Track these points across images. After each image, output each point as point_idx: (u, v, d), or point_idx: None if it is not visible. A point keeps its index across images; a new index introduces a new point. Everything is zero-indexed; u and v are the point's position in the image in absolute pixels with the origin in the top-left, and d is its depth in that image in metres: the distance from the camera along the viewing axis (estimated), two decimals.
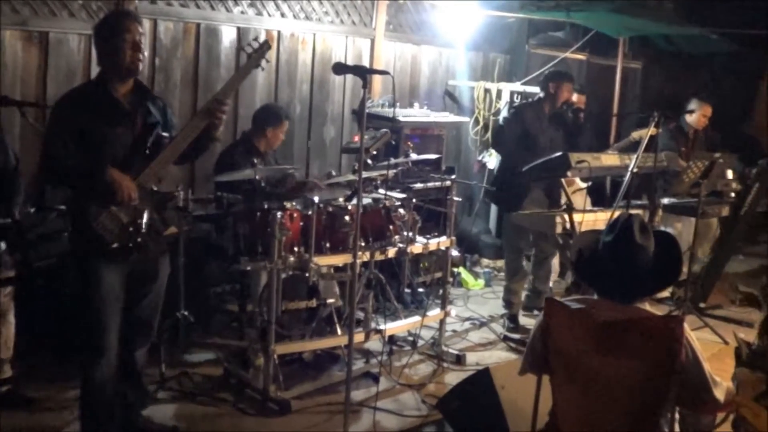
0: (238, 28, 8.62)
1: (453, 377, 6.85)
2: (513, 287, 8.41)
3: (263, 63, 5.41)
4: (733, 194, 9.10)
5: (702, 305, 9.09)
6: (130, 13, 5.33)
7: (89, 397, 5.21)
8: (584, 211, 7.47)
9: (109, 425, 5.29)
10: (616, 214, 6.74)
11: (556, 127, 8.21)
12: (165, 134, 5.18)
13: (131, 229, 4.96)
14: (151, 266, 5.29)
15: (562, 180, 7.53)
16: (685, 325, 3.69)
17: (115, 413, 5.34)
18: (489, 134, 10.86)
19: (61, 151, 4.87)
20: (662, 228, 7.97)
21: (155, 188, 5.05)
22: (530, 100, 8.67)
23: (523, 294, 8.56)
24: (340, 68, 5.47)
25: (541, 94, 8.34)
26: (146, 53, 5.28)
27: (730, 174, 8.87)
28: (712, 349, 7.41)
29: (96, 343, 5.07)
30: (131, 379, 5.48)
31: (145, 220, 5.00)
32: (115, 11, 5.63)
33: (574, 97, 8.53)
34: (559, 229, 7.36)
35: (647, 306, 3.94)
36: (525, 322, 8.33)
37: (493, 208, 10.95)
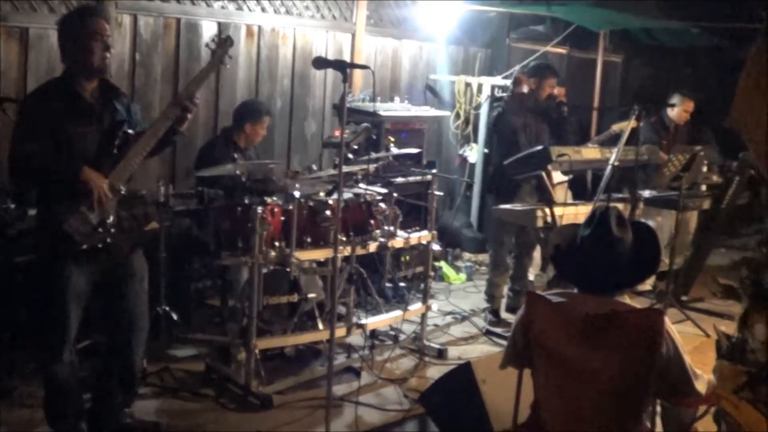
0: (219, 23, 8.60)
1: (435, 371, 6.85)
2: (495, 281, 8.41)
3: (227, 59, 5.41)
4: (704, 187, 9.13)
5: (683, 298, 9.12)
6: (97, 10, 5.30)
7: (52, 394, 5.22)
8: (565, 204, 7.49)
9: (77, 423, 5.31)
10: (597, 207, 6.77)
11: (540, 121, 8.21)
12: (131, 131, 5.16)
13: (100, 229, 4.94)
14: (125, 265, 5.27)
15: (543, 174, 7.54)
16: (666, 318, 3.70)
17: (83, 411, 5.36)
18: (470, 128, 10.88)
19: (30, 149, 4.84)
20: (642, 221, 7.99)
21: (123, 188, 5.03)
22: (508, 94, 8.65)
23: (505, 292, 8.55)
24: (320, 63, 5.46)
25: (524, 89, 8.34)
26: (126, 48, 5.28)
27: (704, 168, 8.87)
28: (694, 342, 7.44)
29: (57, 341, 5.06)
30: (124, 380, 5.48)
31: (113, 220, 4.99)
32: (81, 8, 5.56)
33: (555, 90, 8.53)
34: (540, 223, 7.38)
35: (628, 299, 3.95)
36: (507, 316, 8.34)
37: (474, 203, 10.96)
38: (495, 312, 8.36)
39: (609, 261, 3.88)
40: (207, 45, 5.49)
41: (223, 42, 5.38)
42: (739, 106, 4.04)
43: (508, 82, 10.19)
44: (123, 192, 5.02)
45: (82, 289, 5.03)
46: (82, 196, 4.84)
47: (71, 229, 4.82)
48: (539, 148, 7.55)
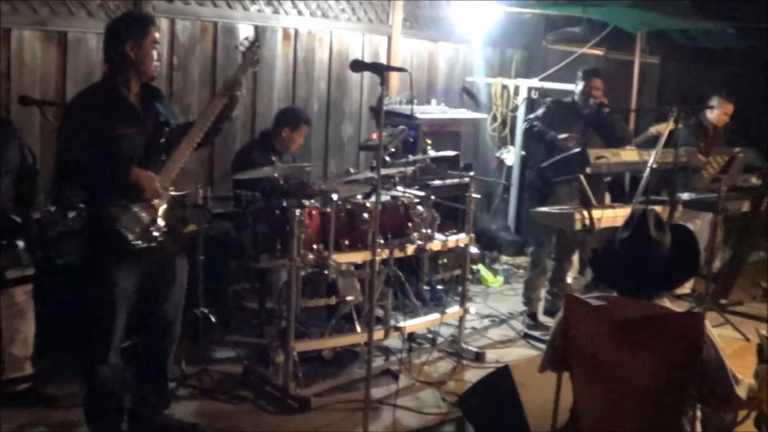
0: (256, 27, 8.63)
1: (472, 375, 6.83)
2: (533, 283, 8.38)
3: (256, 61, 5.45)
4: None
5: (723, 302, 9.05)
6: (152, 18, 5.36)
7: (95, 396, 5.24)
8: (603, 207, 7.45)
9: (118, 424, 5.34)
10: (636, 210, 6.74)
11: (590, 125, 8.16)
12: (174, 126, 5.22)
13: (151, 229, 4.97)
14: (169, 267, 5.31)
15: (581, 176, 7.50)
16: (706, 322, 3.68)
17: (124, 413, 5.39)
18: (507, 131, 10.86)
19: (81, 151, 4.88)
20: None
21: (172, 188, 5.08)
22: (565, 99, 8.58)
23: (543, 295, 8.51)
24: (357, 65, 5.47)
25: (577, 94, 8.28)
26: (164, 52, 5.34)
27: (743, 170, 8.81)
28: (734, 345, 7.38)
29: (104, 343, 5.09)
30: (156, 382, 5.52)
31: (164, 220, 5.03)
32: (140, 15, 5.59)
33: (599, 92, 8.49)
34: (578, 226, 7.34)
35: (667, 303, 3.92)
36: (545, 320, 8.30)
37: (512, 205, 10.94)
38: (533, 315, 8.32)
39: (647, 264, 3.86)
40: (237, 47, 5.53)
41: (253, 44, 5.41)
42: None
43: (546, 85, 10.17)
44: (172, 192, 5.06)
45: (129, 290, 5.07)
46: (132, 196, 4.88)
47: (124, 229, 4.85)
48: (577, 150, 7.51)
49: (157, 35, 5.10)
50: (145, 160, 5.02)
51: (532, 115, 8.50)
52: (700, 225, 9.04)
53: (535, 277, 8.37)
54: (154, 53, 5.07)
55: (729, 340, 7.39)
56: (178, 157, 5.09)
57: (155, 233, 4.99)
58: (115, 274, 4.98)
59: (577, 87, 8.23)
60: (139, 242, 4.92)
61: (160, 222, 5.01)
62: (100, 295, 5.03)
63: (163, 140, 5.10)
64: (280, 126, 7.56)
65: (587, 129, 8.15)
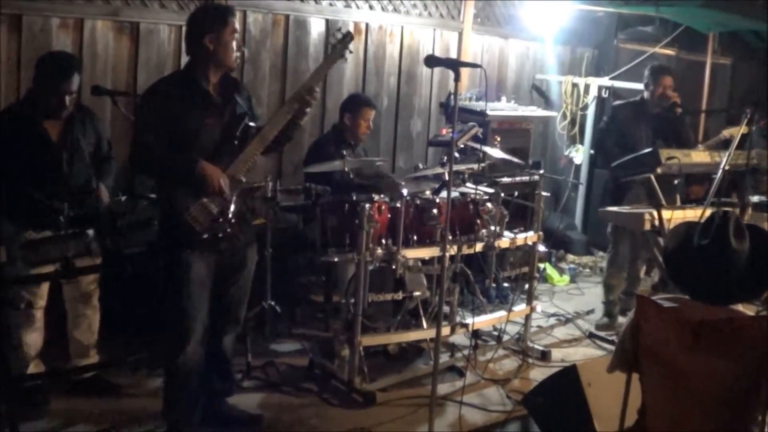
0: (327, 20, 8.66)
1: (538, 373, 6.82)
2: (609, 282, 8.36)
3: (347, 54, 5.44)
4: None
5: None
6: (232, 9, 5.38)
7: (175, 384, 5.29)
8: (673, 207, 7.39)
9: (194, 413, 5.38)
10: (707, 212, 6.67)
11: (658, 125, 8.10)
12: (252, 124, 5.23)
13: (221, 219, 5.02)
14: (239, 256, 5.35)
15: (652, 176, 7.43)
16: None
17: (199, 401, 5.42)
18: (576, 129, 10.81)
19: (153, 141, 4.94)
20: None
21: (243, 179, 5.11)
22: (631, 99, 8.52)
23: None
24: (432, 61, 5.47)
25: (645, 94, 8.22)
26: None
27: None
28: None
29: (183, 331, 5.14)
30: (219, 367, 5.56)
31: (233, 210, 5.06)
32: (220, 6, 5.59)
33: (670, 91, 8.41)
34: (647, 226, 7.27)
35: (740, 306, 3.88)
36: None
37: (579, 204, 10.89)
38: (609, 313, 8.27)
39: (727, 274, 3.80)
40: (329, 39, 5.54)
41: (345, 37, 5.41)
42: None
43: (617, 84, 10.11)
44: (244, 181, 5.10)
45: (204, 278, 5.13)
46: (201, 188, 4.93)
47: (193, 219, 4.92)
48: (648, 150, 7.45)
49: (236, 26, 5.14)
50: (218, 152, 5.07)
51: (602, 123, 8.49)
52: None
53: (610, 277, 8.33)
54: (234, 44, 5.11)
55: None
56: (249, 153, 5.12)
57: (224, 224, 5.03)
58: (189, 263, 5.04)
59: (647, 86, 8.14)
60: (207, 232, 4.97)
61: (230, 213, 5.05)
62: (177, 284, 5.08)
63: (239, 133, 5.13)
64: (342, 115, 7.56)
65: (656, 129, 8.08)
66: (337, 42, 5.40)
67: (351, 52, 5.47)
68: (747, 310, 3.99)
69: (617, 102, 8.64)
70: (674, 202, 7.95)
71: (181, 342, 5.15)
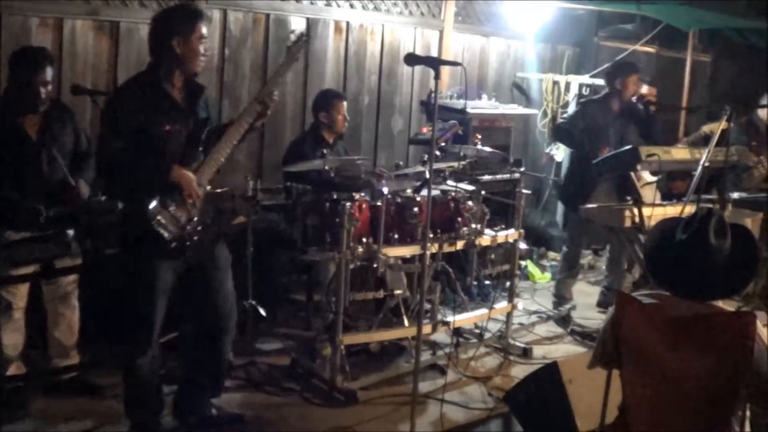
0: (308, 19, 8.65)
1: (519, 370, 6.82)
2: (567, 281, 8.43)
3: (300, 56, 5.42)
4: None
5: None
6: (202, 13, 5.30)
7: (137, 386, 5.28)
8: (653, 205, 7.41)
9: (159, 412, 5.39)
10: (687, 208, 6.70)
11: (626, 121, 8.13)
12: (213, 128, 5.23)
13: (188, 227, 4.99)
14: (208, 257, 5.30)
15: (632, 174, 7.46)
16: (758, 322, 3.64)
17: (164, 401, 5.43)
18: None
19: (120, 146, 4.86)
20: None
21: (208, 186, 5.08)
22: (596, 96, 8.55)
23: (599, 291, 8.51)
24: (412, 59, 5.47)
25: (607, 90, 8.26)
26: (216, 43, 5.34)
27: None
28: None
29: (145, 335, 5.13)
30: (214, 372, 5.55)
31: (199, 217, 5.05)
32: (189, 9, 5.50)
33: (645, 89, 8.43)
34: (627, 223, 7.29)
35: (720, 302, 3.89)
36: (590, 316, 8.32)
37: (560, 202, 10.92)
38: (565, 318, 8.31)
39: (705, 270, 3.81)
40: (286, 41, 5.52)
41: (299, 39, 5.38)
42: None
43: (597, 81, 10.13)
44: (207, 189, 5.06)
45: (168, 284, 5.09)
46: (169, 194, 4.89)
47: (160, 228, 4.86)
48: (628, 147, 7.47)
49: (205, 31, 5.05)
50: (184, 158, 5.03)
51: (564, 116, 8.50)
52: (750, 225, 8.95)
53: (569, 278, 8.40)
54: (201, 48, 5.03)
55: None
56: (215, 157, 5.08)
57: (191, 231, 5.00)
58: (154, 269, 5.00)
59: (613, 83, 8.17)
60: (175, 241, 4.94)
61: (196, 220, 5.02)
62: (139, 289, 5.06)
63: (203, 138, 5.11)
64: (316, 113, 7.53)
65: (623, 126, 8.10)
66: (292, 44, 5.39)
67: (304, 51, 5.43)
68: (727, 306, 4.00)
69: (584, 99, 8.65)
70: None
71: (143, 345, 5.13)
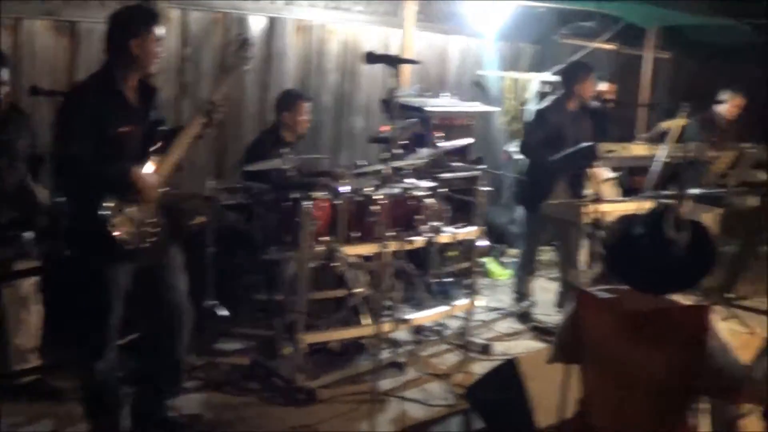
0: (268, 18, 8.63)
1: (480, 367, 6.85)
2: (526, 278, 8.49)
3: (247, 62, 5.38)
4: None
5: (729, 295, 9.03)
6: (158, 14, 5.26)
7: (94, 391, 5.24)
8: (612, 201, 7.45)
9: (116, 418, 5.34)
10: (646, 204, 6.74)
11: (583, 121, 8.16)
12: (167, 129, 5.21)
13: (144, 230, 4.95)
14: (163, 258, 5.27)
15: (587, 171, 7.50)
16: (712, 315, 3.67)
17: (122, 407, 5.38)
18: (517, 124, 10.86)
19: (76, 149, 4.79)
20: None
21: (162, 188, 5.05)
22: (550, 101, 8.55)
23: (557, 290, 8.54)
24: (371, 58, 5.47)
25: (563, 91, 8.28)
26: (176, 43, 5.29)
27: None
28: (740, 339, 7.38)
29: (101, 339, 5.09)
30: (170, 373, 5.53)
31: (155, 219, 5.02)
32: (145, 10, 5.44)
33: (605, 86, 8.46)
34: (586, 219, 7.33)
35: (679, 297, 3.92)
36: (550, 312, 8.38)
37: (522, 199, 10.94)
38: (524, 315, 8.37)
39: (663, 263, 3.83)
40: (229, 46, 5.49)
41: (241, 45, 5.34)
42: None
43: (558, 79, 10.17)
44: (164, 190, 5.04)
45: (123, 286, 5.04)
46: (125, 195, 4.85)
47: (117, 231, 4.80)
48: (584, 145, 7.51)
49: (161, 32, 5.02)
50: (140, 160, 4.98)
51: (527, 126, 8.53)
52: (709, 220, 9.00)
53: (527, 274, 8.45)
54: (158, 49, 5.00)
55: (735, 334, 7.41)
56: (171, 158, 5.04)
57: (147, 234, 4.97)
58: (110, 272, 4.96)
59: (569, 84, 8.19)
60: (131, 243, 4.89)
61: (152, 221, 4.99)
62: (97, 292, 5.00)
63: (157, 139, 5.08)
64: (278, 113, 7.52)
65: (580, 125, 8.13)
66: (235, 51, 5.35)
67: (250, 57, 5.40)
68: (687, 301, 4.03)
69: (541, 106, 8.65)
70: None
71: (100, 348, 5.10)
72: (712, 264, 4.06)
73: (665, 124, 9.37)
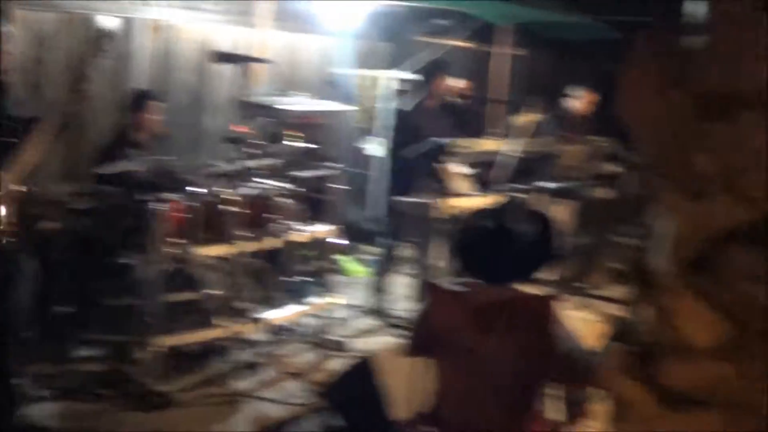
0: (120, 18, 8.50)
1: (337, 364, 6.86)
2: (383, 274, 8.55)
3: (104, 53, 5.33)
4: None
5: (583, 285, 9.21)
6: (8, 14, 5.18)
7: None
8: (464, 195, 7.54)
9: None
10: (498, 198, 6.84)
11: (444, 118, 8.23)
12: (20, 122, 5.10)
13: None
14: (10, 266, 5.16)
15: (440, 166, 7.57)
16: (558, 303, 3.75)
17: None
18: (372, 122, 10.90)
19: None
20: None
21: (17, 188, 4.95)
22: (410, 97, 8.62)
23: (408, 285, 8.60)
24: (220, 57, 5.44)
25: (423, 90, 8.35)
26: (25, 44, 5.15)
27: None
28: (589, 326, 7.52)
29: None
30: (3, 386, 5.38)
31: (7, 222, 4.90)
32: None
33: (462, 84, 8.56)
34: (438, 214, 7.41)
35: (525, 287, 3.98)
36: (408, 308, 8.37)
37: (378, 197, 10.99)
38: (382, 311, 8.43)
39: (508, 253, 3.90)
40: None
41: (101, 35, 5.29)
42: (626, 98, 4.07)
43: (413, 77, 10.25)
44: (12, 190, 4.94)
45: None
46: None
47: None
48: (430, 140, 7.59)
49: (10, 30, 4.94)
50: None
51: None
52: (559, 212, 9.17)
53: (386, 270, 8.49)
54: (7, 48, 4.91)
55: (585, 322, 7.54)
56: (25, 159, 4.96)
57: None
58: None
59: (428, 82, 8.27)
60: None
61: (4, 221, 4.88)
62: None
63: (9, 136, 4.98)
64: (129, 114, 7.42)
65: (441, 122, 8.21)
66: (93, 42, 5.30)
67: (106, 50, 5.35)
68: (539, 291, 4.11)
69: (401, 107, 8.72)
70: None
71: None
72: (555, 254, 4.16)
73: (515, 120, 9.53)
